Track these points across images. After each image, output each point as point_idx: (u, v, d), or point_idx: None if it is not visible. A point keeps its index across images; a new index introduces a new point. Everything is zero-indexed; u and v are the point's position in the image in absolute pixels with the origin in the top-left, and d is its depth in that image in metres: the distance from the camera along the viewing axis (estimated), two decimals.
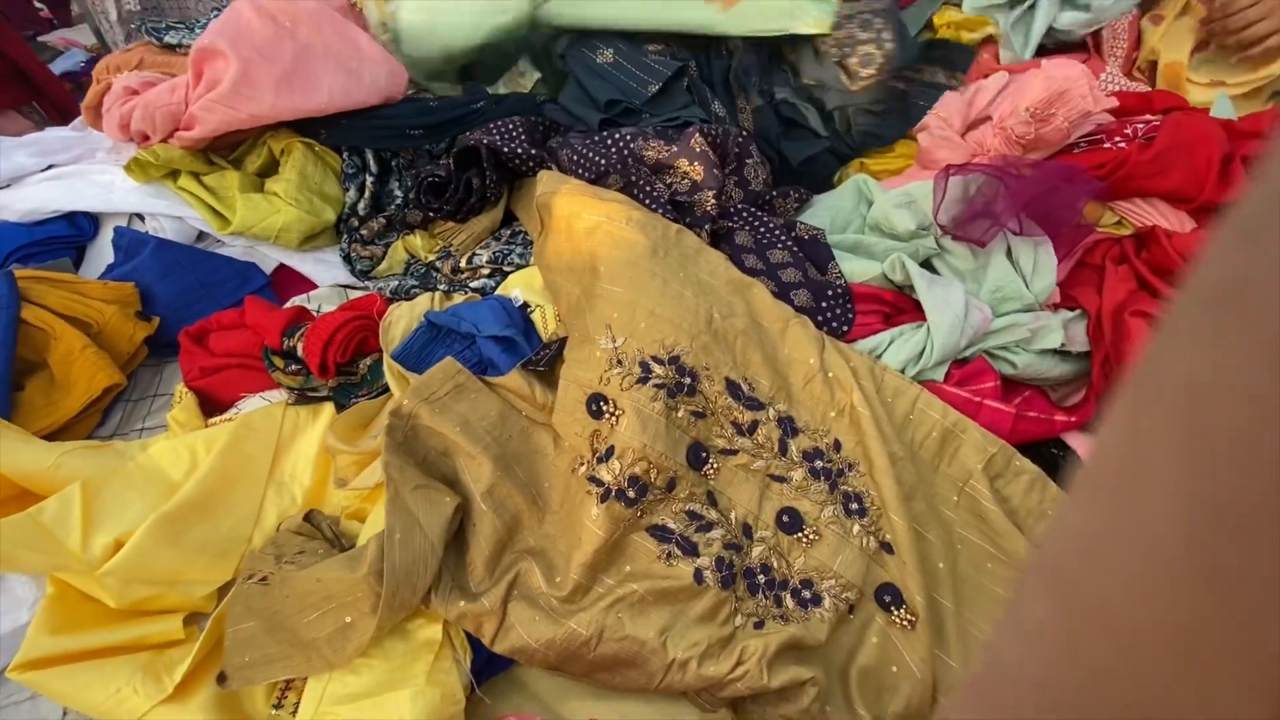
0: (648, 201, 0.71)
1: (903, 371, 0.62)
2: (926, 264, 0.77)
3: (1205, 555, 0.10)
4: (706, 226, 0.70)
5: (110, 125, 0.82)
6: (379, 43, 0.87)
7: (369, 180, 0.90)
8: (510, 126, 0.86)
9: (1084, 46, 1.04)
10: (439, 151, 0.93)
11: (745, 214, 0.75)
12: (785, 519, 0.56)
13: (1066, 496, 0.14)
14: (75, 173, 0.85)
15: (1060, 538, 0.13)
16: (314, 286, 0.89)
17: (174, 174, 0.86)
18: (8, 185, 0.84)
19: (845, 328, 0.65)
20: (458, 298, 0.74)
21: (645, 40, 0.90)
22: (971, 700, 0.15)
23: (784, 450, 0.56)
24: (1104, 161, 0.79)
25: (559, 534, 0.55)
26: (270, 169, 0.91)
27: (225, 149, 0.90)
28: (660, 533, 0.52)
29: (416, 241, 0.87)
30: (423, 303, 0.70)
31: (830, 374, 0.59)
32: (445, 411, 0.56)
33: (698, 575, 0.51)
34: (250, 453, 0.66)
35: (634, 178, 0.73)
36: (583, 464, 0.54)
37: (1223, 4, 0.88)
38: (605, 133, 0.82)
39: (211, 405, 0.74)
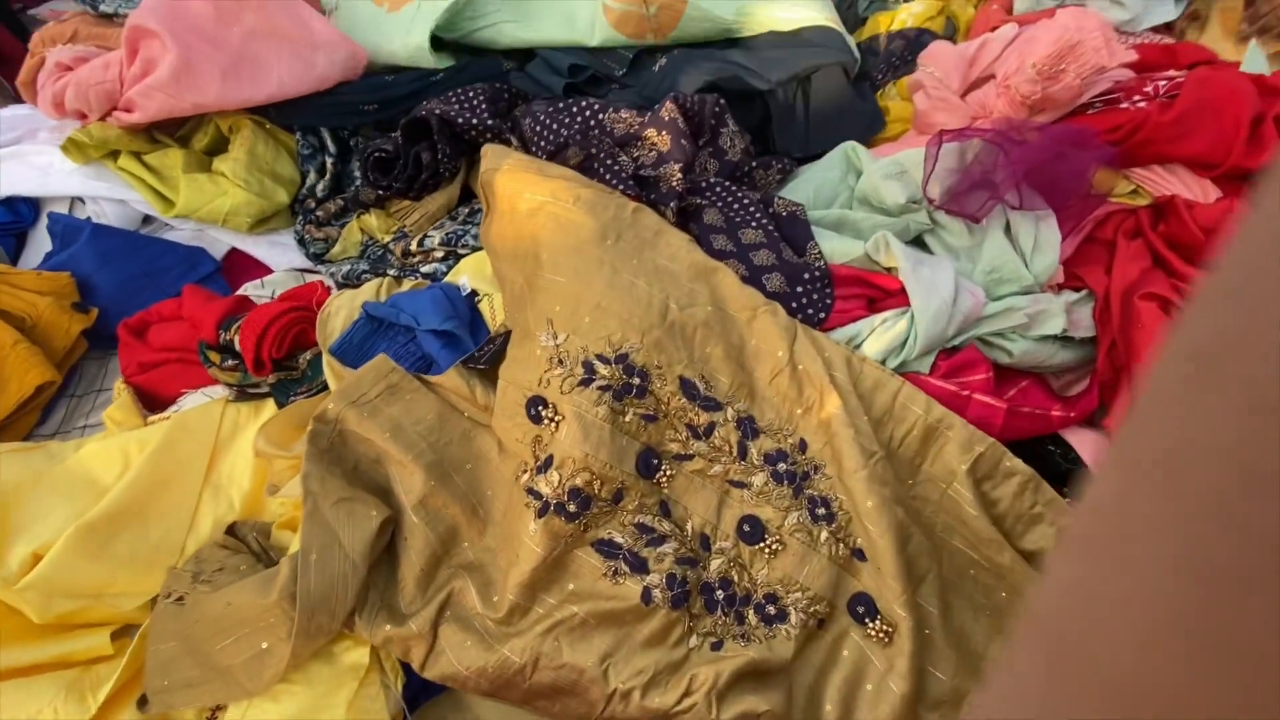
0: (608, 176, 0.65)
1: (883, 363, 0.57)
2: (918, 241, 0.70)
3: (1194, 617, 0.10)
4: (672, 204, 0.64)
5: (44, 103, 0.77)
6: (333, 25, 0.81)
7: (329, 161, 0.85)
8: (471, 95, 0.79)
9: None
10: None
11: (718, 189, 0.69)
12: (746, 528, 0.51)
13: (1055, 554, 0.14)
14: (13, 155, 0.81)
15: (1051, 597, 0.13)
16: (269, 271, 0.85)
17: (115, 154, 0.80)
18: None
19: (822, 315, 0.59)
20: (407, 284, 0.69)
21: None
22: None
23: (743, 453, 0.51)
24: (1120, 124, 0.71)
25: (500, 547, 0.50)
26: (219, 146, 0.85)
27: (171, 125, 0.84)
28: (607, 548, 0.48)
29: (372, 221, 0.82)
30: (365, 292, 0.65)
31: (800, 367, 0.54)
32: (375, 415, 0.51)
33: (646, 595, 0.47)
34: (185, 454, 0.62)
35: (595, 150, 0.67)
36: (526, 471, 0.50)
37: None
38: (572, 99, 0.75)
39: (153, 401, 0.70)
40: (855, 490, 0.50)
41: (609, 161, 0.66)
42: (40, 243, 0.80)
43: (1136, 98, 0.74)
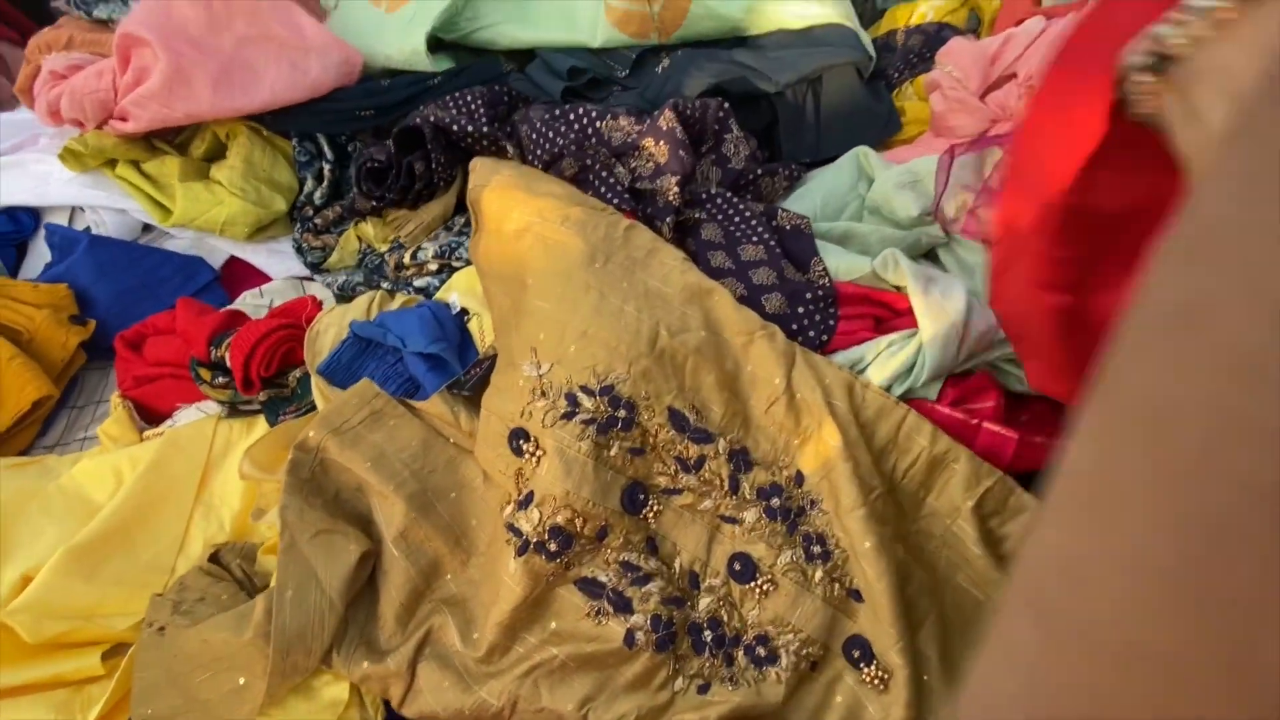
0: (603, 189, 0.63)
1: (888, 390, 0.54)
2: (932, 255, 0.67)
3: (1184, 573, 0.10)
4: (668, 218, 0.61)
5: (41, 111, 0.77)
6: (327, 29, 0.79)
7: (326, 167, 0.83)
8: (469, 99, 0.77)
9: None
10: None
11: (719, 201, 0.66)
12: (737, 566, 0.49)
13: (1041, 515, 0.13)
14: (12, 163, 0.81)
15: (1038, 559, 0.13)
16: (268, 279, 0.84)
17: (114, 161, 0.80)
18: None
19: (825, 337, 0.56)
20: (400, 299, 0.67)
21: None
22: None
23: (735, 488, 0.49)
24: None
25: (483, 580, 0.49)
26: (218, 153, 0.84)
27: (169, 132, 0.83)
28: (590, 587, 0.46)
29: (369, 230, 0.80)
30: (355, 309, 0.63)
31: (798, 396, 0.51)
32: (357, 443, 0.50)
33: (629, 637, 0.45)
34: (176, 473, 0.61)
35: (590, 161, 0.64)
36: (510, 503, 0.48)
37: None
38: (569, 106, 0.73)
39: (150, 414, 0.70)
40: (852, 529, 0.48)
41: (604, 174, 0.63)
42: (41, 253, 0.80)
43: None
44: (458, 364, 0.56)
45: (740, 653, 0.48)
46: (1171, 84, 0.21)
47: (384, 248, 0.79)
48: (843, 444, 0.49)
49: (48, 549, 0.56)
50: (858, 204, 0.72)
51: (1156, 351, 0.12)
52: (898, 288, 0.59)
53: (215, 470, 0.63)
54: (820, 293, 0.57)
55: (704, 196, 0.67)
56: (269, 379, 0.62)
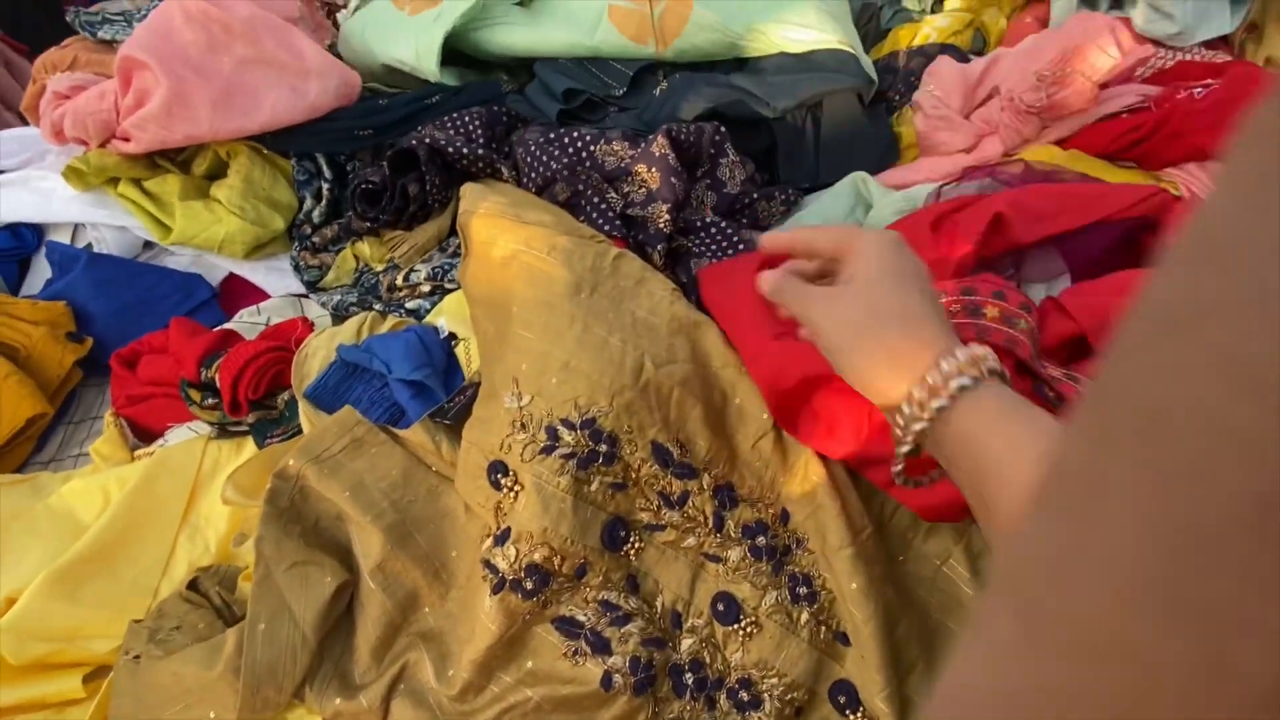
0: (595, 215, 0.62)
1: None
2: None
3: (1167, 577, 0.10)
4: (659, 246, 0.61)
5: (45, 131, 0.78)
6: (326, 51, 0.79)
7: (325, 186, 0.84)
8: (467, 120, 0.77)
9: None
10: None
11: (712, 230, 0.65)
12: (720, 606, 0.48)
13: (1026, 517, 0.13)
14: (17, 180, 0.82)
15: (1022, 556, 0.13)
16: (266, 297, 0.84)
17: (116, 179, 0.81)
18: None
19: None
20: (390, 321, 0.67)
21: None
22: None
23: (719, 525, 0.48)
24: (1140, 123, 0.65)
25: (461, 614, 0.48)
26: (219, 171, 0.85)
27: (171, 150, 0.84)
28: (568, 626, 0.45)
29: (366, 250, 0.80)
30: (344, 332, 0.63)
31: (785, 432, 0.50)
32: (337, 472, 0.49)
33: (606, 679, 0.44)
34: (163, 494, 0.61)
35: (582, 186, 0.64)
36: (489, 536, 0.48)
37: None
38: (564, 129, 0.72)
39: (143, 433, 0.70)
40: (839, 569, 0.47)
41: (596, 199, 0.63)
42: (43, 269, 0.81)
43: (1167, 107, 0.68)
44: (442, 391, 0.56)
45: (723, 696, 0.47)
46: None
47: (380, 267, 0.79)
48: (829, 481, 0.48)
49: (33, 569, 0.56)
50: None
51: (1153, 355, 0.12)
52: None
53: (203, 491, 0.63)
54: None
55: (698, 224, 0.66)
56: (257, 401, 0.62)
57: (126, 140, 0.75)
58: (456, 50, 0.89)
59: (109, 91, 0.74)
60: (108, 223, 0.80)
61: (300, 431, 0.61)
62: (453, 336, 0.61)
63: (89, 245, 0.80)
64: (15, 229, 0.81)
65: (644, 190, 0.65)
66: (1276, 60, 0.79)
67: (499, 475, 0.46)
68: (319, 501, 0.50)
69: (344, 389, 0.59)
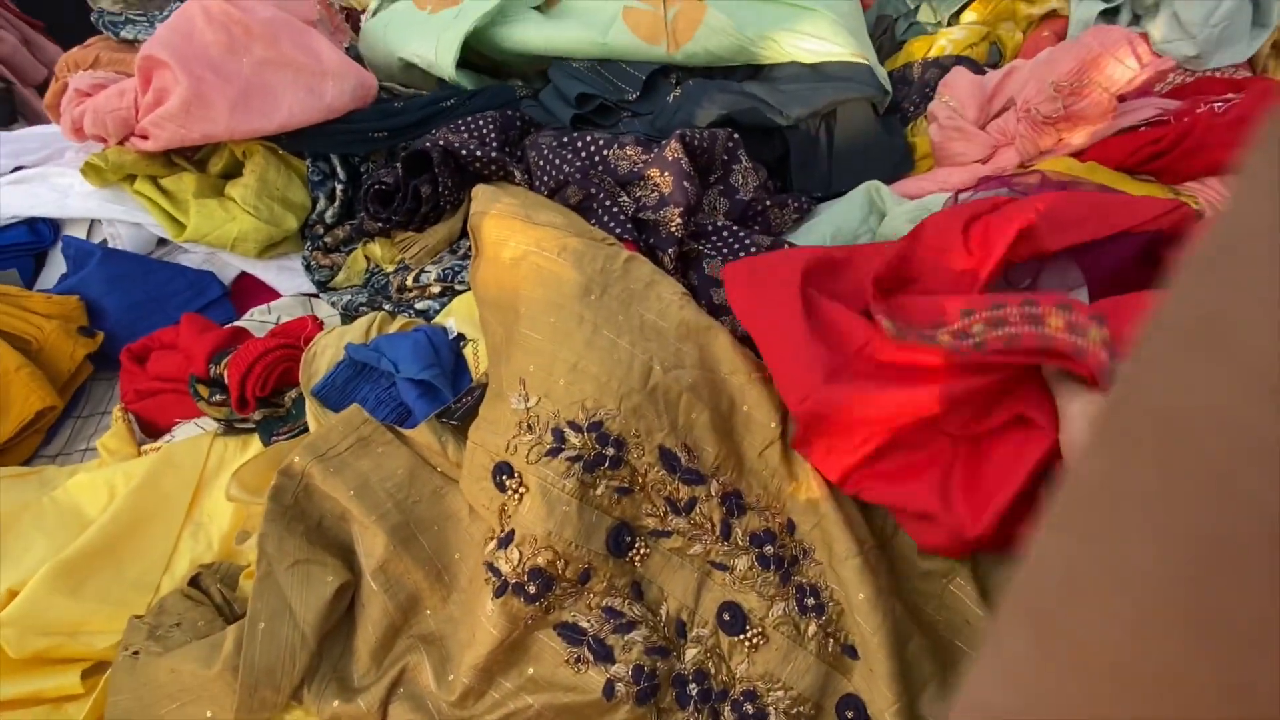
0: (606, 218, 0.62)
1: None
2: None
3: (1186, 592, 0.10)
4: (670, 249, 0.60)
5: (65, 128, 0.79)
6: (344, 54, 0.80)
7: (339, 187, 0.84)
8: (481, 124, 0.78)
9: None
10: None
11: (724, 234, 0.65)
12: (726, 616, 0.47)
13: (1043, 530, 0.13)
14: (37, 176, 0.83)
15: (1037, 572, 0.13)
16: (277, 296, 0.84)
17: (133, 177, 0.82)
18: None
19: None
20: (399, 321, 0.67)
21: None
22: None
23: (726, 533, 0.47)
24: (1159, 136, 0.64)
25: (463, 617, 0.48)
26: (235, 170, 0.85)
27: (188, 149, 0.85)
28: (571, 632, 0.45)
29: (377, 250, 0.81)
30: (353, 332, 0.63)
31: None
32: (342, 471, 0.49)
33: (609, 688, 0.43)
34: (168, 490, 0.61)
35: (594, 190, 0.64)
36: (492, 539, 0.47)
37: None
38: (578, 134, 0.72)
39: (150, 428, 0.70)
40: (847, 580, 0.46)
41: (608, 202, 0.63)
42: (59, 264, 0.82)
43: (1187, 121, 0.67)
44: (449, 391, 0.55)
45: (727, 708, 0.46)
46: None
47: (390, 268, 0.79)
48: (831, 492, 0.47)
49: (36, 562, 0.56)
50: (868, 238, 0.71)
51: (1173, 364, 0.11)
52: None
53: (207, 488, 0.63)
54: None
55: (710, 229, 0.66)
56: (264, 398, 0.62)
57: (145, 138, 0.76)
58: (473, 54, 0.90)
59: (129, 90, 0.75)
60: (123, 219, 0.81)
61: (307, 429, 0.60)
62: (461, 337, 0.60)
63: (104, 241, 0.81)
64: (32, 224, 0.81)
65: (656, 194, 0.65)
66: None
67: (504, 477, 0.46)
68: (323, 500, 0.49)
69: (351, 388, 0.59)
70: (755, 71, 0.84)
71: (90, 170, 0.78)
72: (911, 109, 0.85)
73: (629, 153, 0.69)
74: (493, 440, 0.47)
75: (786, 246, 0.64)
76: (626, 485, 0.47)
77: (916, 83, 0.88)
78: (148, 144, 0.76)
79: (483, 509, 0.48)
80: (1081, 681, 0.11)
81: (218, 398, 0.63)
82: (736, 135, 0.71)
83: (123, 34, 0.81)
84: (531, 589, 0.43)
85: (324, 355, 0.61)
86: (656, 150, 0.68)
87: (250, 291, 0.86)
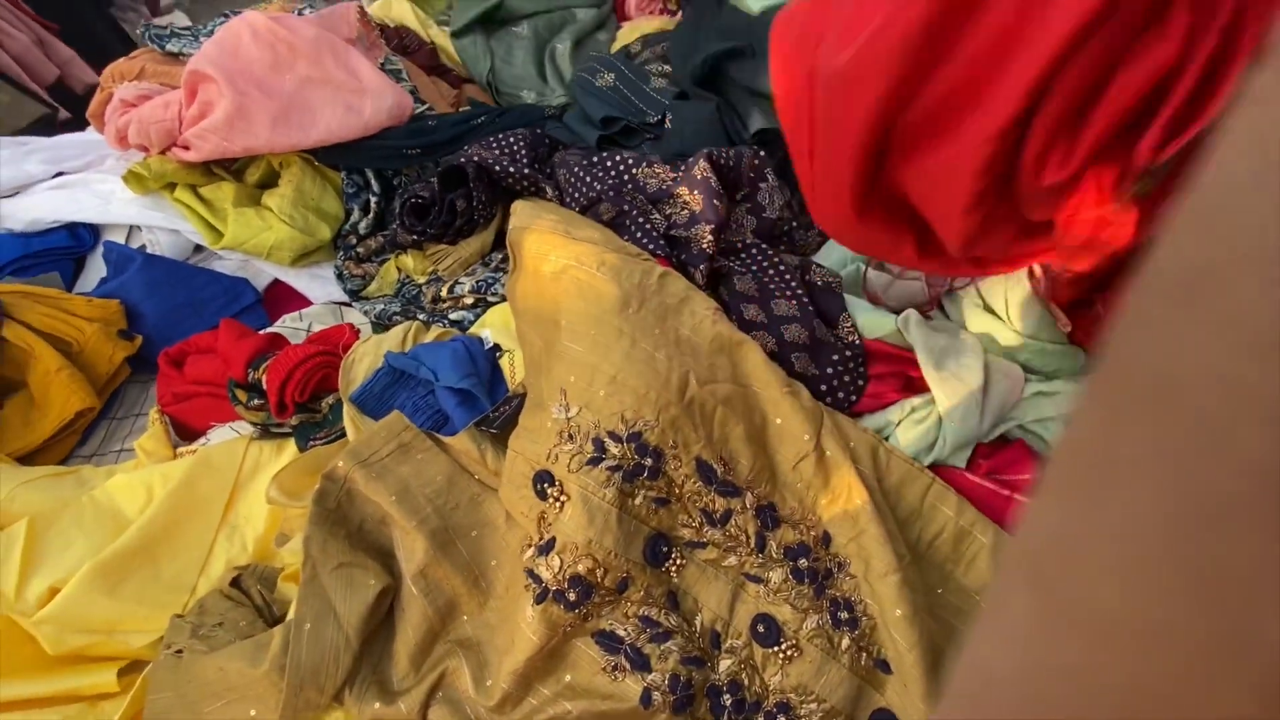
0: (639, 234, 0.64)
1: (914, 458, 0.53)
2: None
3: (1184, 548, 0.10)
4: (702, 266, 0.62)
5: (109, 136, 0.81)
6: (382, 72, 0.83)
7: (372, 200, 0.86)
8: (512, 141, 0.80)
9: None
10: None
11: (754, 252, 0.66)
12: (760, 628, 0.47)
13: (1038, 490, 0.13)
14: (78, 182, 0.85)
15: (1035, 534, 0.13)
16: (309, 303, 0.86)
17: (172, 185, 0.84)
18: (13, 194, 0.84)
19: (854, 397, 0.55)
20: (434, 331, 0.69)
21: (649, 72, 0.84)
22: (953, 706, 0.14)
23: (761, 545, 0.48)
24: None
25: (499, 624, 0.48)
26: (271, 180, 0.88)
27: (227, 160, 0.87)
28: (608, 640, 0.45)
29: (409, 262, 0.82)
30: (390, 340, 0.64)
31: (827, 454, 0.50)
32: (384, 476, 0.50)
33: (646, 696, 0.44)
34: (205, 492, 0.62)
35: (627, 207, 0.66)
36: (530, 546, 0.48)
37: None
38: (606, 153, 0.74)
39: (186, 431, 0.72)
40: (883, 595, 0.47)
41: (640, 219, 0.64)
42: (98, 268, 0.84)
43: None
44: (487, 400, 0.57)
45: (760, 719, 0.46)
46: None
47: (422, 279, 0.81)
48: (872, 505, 0.48)
49: (76, 560, 0.57)
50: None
51: (1164, 322, 0.11)
52: None
53: (243, 491, 0.64)
54: (849, 352, 0.57)
55: (739, 246, 0.67)
56: (302, 404, 0.63)
57: (186, 149, 0.78)
58: None
59: (173, 102, 0.77)
60: (162, 225, 0.83)
61: (343, 435, 0.62)
62: (497, 348, 0.62)
63: (142, 246, 0.83)
64: (73, 228, 0.83)
65: (686, 212, 0.66)
66: None
67: (545, 485, 0.47)
68: (364, 504, 0.51)
69: (389, 395, 0.60)
70: None
71: (132, 178, 0.80)
72: None
73: (658, 171, 0.71)
74: (533, 449, 0.48)
75: (813, 267, 0.65)
76: (664, 496, 0.47)
77: None
78: (190, 155, 0.78)
79: (521, 516, 0.49)
80: (1083, 642, 0.11)
81: (255, 402, 0.65)
82: (762, 154, 0.72)
83: (168, 47, 0.84)
84: (571, 596, 0.44)
85: (362, 362, 0.63)
86: (684, 169, 0.70)
87: (282, 298, 0.88)
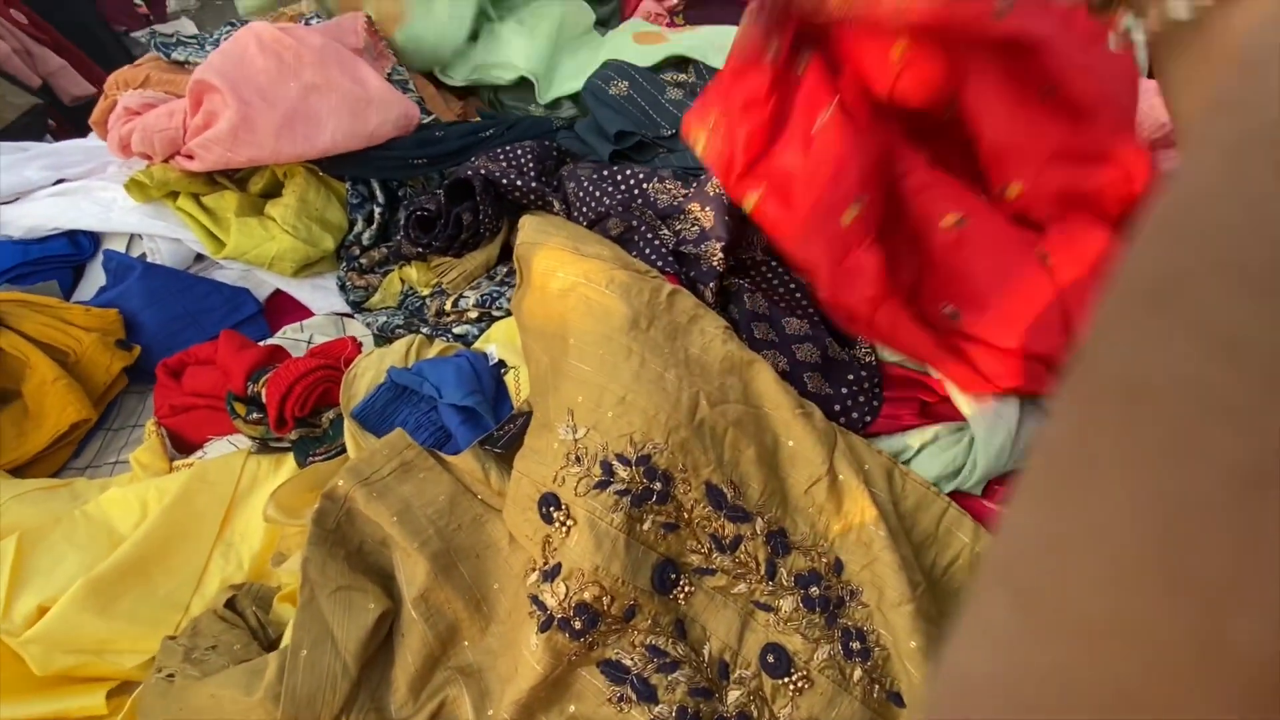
0: (648, 251, 0.63)
1: (934, 484, 0.51)
2: None
3: (1161, 554, 0.10)
4: (711, 283, 0.61)
5: (112, 144, 0.81)
6: (388, 82, 0.82)
7: (377, 211, 0.86)
8: (520, 153, 0.79)
9: None
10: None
11: (765, 270, 0.65)
12: (770, 658, 0.46)
13: (1016, 498, 0.13)
14: (79, 189, 0.84)
15: (1012, 540, 0.13)
16: (310, 314, 0.85)
17: (175, 193, 0.83)
18: (13, 200, 0.83)
19: (869, 417, 0.54)
20: (438, 345, 0.68)
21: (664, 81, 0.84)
22: (932, 710, 0.14)
23: (771, 572, 0.47)
24: None
25: (502, 650, 0.47)
26: (275, 189, 0.87)
27: (230, 169, 0.87)
28: (614, 671, 0.44)
29: (413, 274, 0.82)
30: (393, 354, 0.63)
31: (840, 478, 0.49)
32: (385, 495, 0.49)
33: None
34: (200, 508, 0.61)
35: (635, 222, 0.65)
36: (534, 570, 0.47)
37: None
38: (617, 167, 0.74)
39: (182, 443, 0.70)
40: (897, 626, 0.45)
41: (649, 235, 0.63)
42: (97, 276, 0.83)
43: None
44: (491, 418, 0.56)
45: None
46: None
47: (426, 292, 0.80)
48: (888, 533, 0.47)
49: (67, 577, 0.55)
50: None
51: (1133, 328, 0.12)
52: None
53: (239, 507, 0.63)
54: (864, 372, 0.56)
55: (749, 263, 0.66)
56: (302, 419, 0.62)
57: (190, 158, 0.78)
58: None
59: (178, 110, 0.76)
60: (164, 234, 0.82)
61: (343, 450, 0.60)
62: (502, 364, 0.61)
63: (143, 255, 0.82)
64: (73, 236, 0.82)
65: (697, 228, 0.65)
66: None
67: (550, 508, 0.45)
68: (364, 524, 0.49)
69: (391, 410, 0.59)
70: None
71: (134, 186, 0.80)
72: None
73: (669, 186, 0.70)
74: (539, 470, 0.47)
75: None
76: (672, 521, 0.46)
77: None
78: (193, 164, 0.77)
79: (525, 539, 0.47)
80: (1062, 646, 0.11)
81: (254, 416, 0.64)
82: None
83: (174, 55, 0.83)
84: (577, 624, 0.43)
85: (364, 377, 0.62)
86: (696, 185, 0.69)
87: (283, 309, 0.87)
